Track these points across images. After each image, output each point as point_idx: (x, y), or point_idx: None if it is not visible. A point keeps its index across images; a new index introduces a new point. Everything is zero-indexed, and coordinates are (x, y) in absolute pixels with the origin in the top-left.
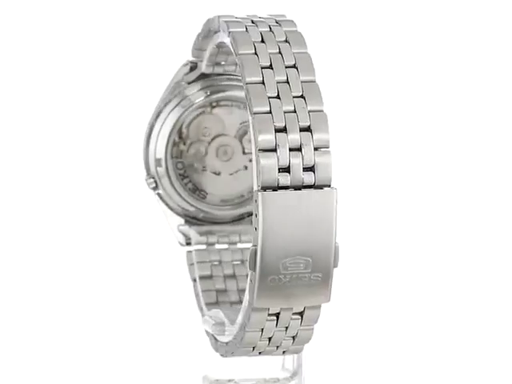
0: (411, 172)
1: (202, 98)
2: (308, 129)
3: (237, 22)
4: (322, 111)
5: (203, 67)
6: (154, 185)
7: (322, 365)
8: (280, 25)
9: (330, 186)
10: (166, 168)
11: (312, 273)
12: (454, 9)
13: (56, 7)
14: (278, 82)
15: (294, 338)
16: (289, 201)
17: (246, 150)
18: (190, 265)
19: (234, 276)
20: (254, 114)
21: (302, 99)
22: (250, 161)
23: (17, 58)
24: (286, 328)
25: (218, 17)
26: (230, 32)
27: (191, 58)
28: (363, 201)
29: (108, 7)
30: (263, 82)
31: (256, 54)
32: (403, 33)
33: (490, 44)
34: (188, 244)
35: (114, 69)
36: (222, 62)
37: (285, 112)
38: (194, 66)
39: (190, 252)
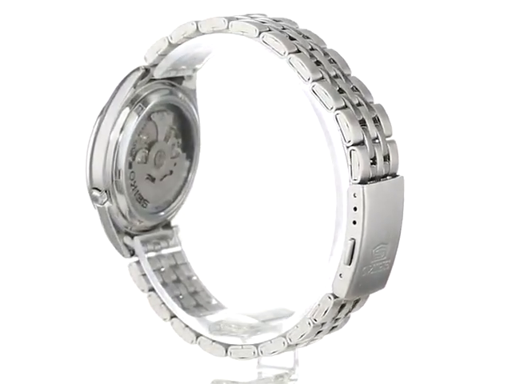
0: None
1: (149, 104)
2: (376, 120)
3: (255, 23)
4: (373, 102)
5: (158, 72)
6: (105, 199)
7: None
8: (286, 23)
9: (396, 173)
10: (122, 179)
11: (386, 260)
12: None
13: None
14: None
15: (333, 328)
16: (381, 191)
17: (173, 154)
18: (142, 275)
19: (179, 281)
20: (337, 109)
21: (358, 92)
22: (175, 165)
23: None
24: (337, 319)
25: (225, 18)
26: (260, 32)
27: (145, 64)
28: None
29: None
30: (323, 78)
31: (300, 51)
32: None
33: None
34: (132, 255)
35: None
36: (170, 67)
37: (357, 105)
38: (145, 73)
39: (137, 263)
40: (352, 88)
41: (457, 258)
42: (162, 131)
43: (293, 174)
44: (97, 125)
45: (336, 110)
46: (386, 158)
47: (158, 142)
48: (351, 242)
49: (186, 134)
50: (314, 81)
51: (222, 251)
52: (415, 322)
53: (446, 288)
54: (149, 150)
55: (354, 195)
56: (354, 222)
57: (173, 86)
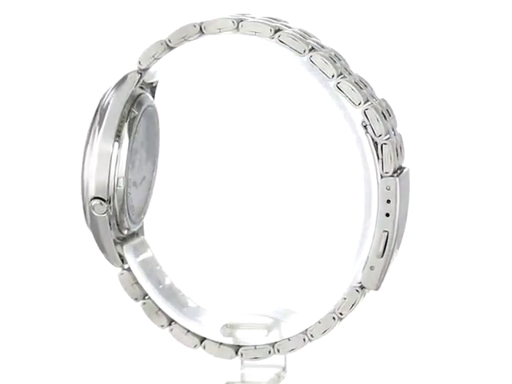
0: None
1: (140, 109)
2: (388, 113)
3: (266, 23)
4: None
5: (149, 77)
6: (106, 207)
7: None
8: (284, 22)
9: (402, 165)
10: (122, 187)
11: (396, 250)
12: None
13: None
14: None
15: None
16: (405, 183)
17: (148, 159)
18: (135, 283)
19: (162, 285)
20: (365, 104)
21: (367, 87)
22: (146, 169)
23: None
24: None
25: (234, 19)
26: (275, 32)
27: (140, 67)
28: None
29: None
30: (342, 74)
31: (314, 49)
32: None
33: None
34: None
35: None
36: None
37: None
38: (140, 78)
39: (128, 270)
40: (363, 84)
41: (450, 251)
42: (141, 136)
43: (308, 173)
44: (95, 135)
45: (364, 104)
46: (400, 150)
47: (140, 148)
48: (385, 235)
49: (153, 135)
50: (338, 77)
51: (218, 251)
52: (407, 318)
53: (439, 285)
54: (135, 155)
55: (387, 188)
56: (387, 215)
57: (142, 88)
